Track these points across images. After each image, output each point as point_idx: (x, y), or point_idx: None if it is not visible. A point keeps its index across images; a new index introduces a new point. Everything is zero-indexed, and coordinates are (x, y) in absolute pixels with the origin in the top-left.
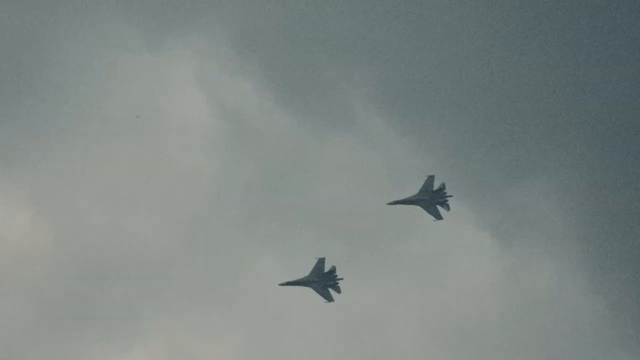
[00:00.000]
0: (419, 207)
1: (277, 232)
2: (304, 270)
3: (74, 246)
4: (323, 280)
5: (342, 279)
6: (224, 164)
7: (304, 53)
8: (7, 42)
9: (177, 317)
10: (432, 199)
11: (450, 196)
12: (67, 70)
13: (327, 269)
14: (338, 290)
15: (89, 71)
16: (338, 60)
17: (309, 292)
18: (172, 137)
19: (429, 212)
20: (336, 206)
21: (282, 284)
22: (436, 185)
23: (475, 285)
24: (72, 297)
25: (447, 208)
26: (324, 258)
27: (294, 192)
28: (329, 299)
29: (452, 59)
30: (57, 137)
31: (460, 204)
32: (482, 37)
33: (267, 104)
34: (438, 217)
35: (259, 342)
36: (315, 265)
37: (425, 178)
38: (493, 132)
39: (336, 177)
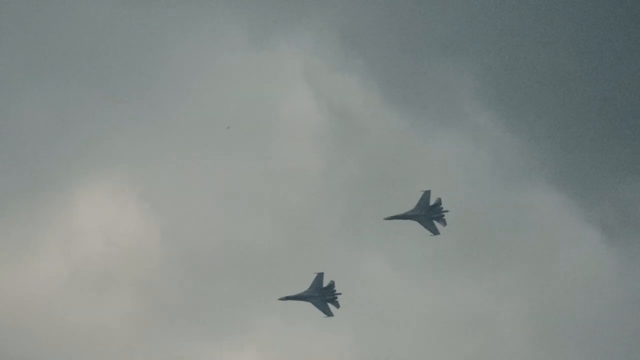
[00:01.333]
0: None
1: (382, 230)
2: (410, 268)
3: (183, 243)
4: (322, 295)
5: (340, 293)
6: (330, 160)
7: (411, 49)
8: (120, 46)
9: (285, 316)
10: (428, 214)
11: (447, 211)
12: (178, 71)
13: (325, 283)
14: (337, 305)
15: (199, 71)
16: (445, 56)
17: (418, 289)
18: (279, 134)
19: (426, 227)
20: (442, 203)
21: (281, 299)
22: (432, 201)
23: (583, 281)
24: (180, 294)
25: (444, 223)
26: (323, 273)
27: (399, 189)
28: (329, 313)
29: (561, 54)
30: (170, 136)
31: (569, 199)
32: (593, 33)
33: (373, 100)
34: (435, 232)
35: (367, 339)
36: (314, 280)
37: (422, 193)
38: (603, 128)
39: (442, 173)
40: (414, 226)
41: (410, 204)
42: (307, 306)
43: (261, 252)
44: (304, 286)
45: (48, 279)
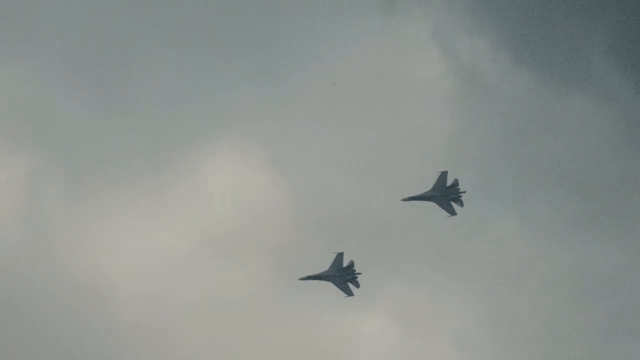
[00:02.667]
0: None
1: (512, 194)
2: (542, 233)
3: (312, 208)
4: (342, 275)
5: (360, 273)
6: (460, 123)
7: (540, 9)
8: (253, 14)
9: (412, 283)
10: (445, 195)
11: (464, 192)
12: (307, 38)
13: (345, 263)
14: (357, 285)
15: (329, 37)
16: (575, 15)
17: (548, 254)
18: (409, 98)
19: (443, 207)
20: (573, 166)
21: (302, 279)
22: (449, 182)
23: None
24: (309, 260)
25: (461, 204)
26: (342, 253)
27: (529, 152)
28: (349, 293)
29: None
30: (300, 102)
31: None
32: None
33: (503, 61)
34: (452, 212)
35: (497, 307)
36: (334, 259)
37: (439, 174)
38: None
39: (573, 136)
40: (545, 189)
41: (537, 166)
42: (437, 268)
43: (391, 217)
44: (431, 252)
45: (176, 245)
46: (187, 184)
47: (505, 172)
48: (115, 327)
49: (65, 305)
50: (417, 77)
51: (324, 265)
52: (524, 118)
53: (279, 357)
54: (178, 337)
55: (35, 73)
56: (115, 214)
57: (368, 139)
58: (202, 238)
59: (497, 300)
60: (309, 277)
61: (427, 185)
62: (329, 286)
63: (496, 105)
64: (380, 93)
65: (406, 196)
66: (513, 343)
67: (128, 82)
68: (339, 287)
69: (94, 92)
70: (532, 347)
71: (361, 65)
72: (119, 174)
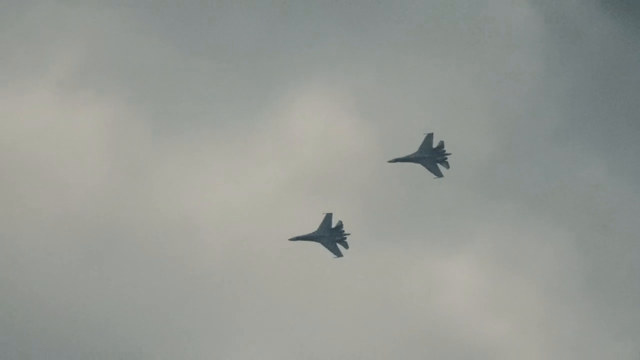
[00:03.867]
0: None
1: (600, 140)
2: (632, 177)
3: (398, 151)
4: (331, 236)
5: (349, 234)
6: (546, 68)
7: None
8: None
9: (501, 226)
10: (431, 156)
11: (449, 154)
12: None
13: (334, 224)
14: (346, 246)
15: None
16: None
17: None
18: (494, 42)
19: (430, 170)
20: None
21: (291, 239)
22: (435, 144)
23: None
24: (395, 201)
25: (447, 166)
26: (331, 213)
27: (618, 97)
28: (338, 254)
29: None
30: (386, 45)
31: None
32: None
33: (590, 4)
34: (439, 174)
35: (587, 251)
36: (323, 220)
37: (424, 136)
38: None
39: None
40: (635, 132)
41: (631, 112)
42: (527, 212)
43: (476, 158)
44: (520, 195)
45: (265, 187)
46: (276, 126)
47: (594, 115)
48: (205, 268)
49: (155, 247)
50: (502, 20)
51: (409, 206)
52: (612, 61)
53: (366, 301)
54: (266, 278)
55: (123, 17)
56: (204, 156)
57: (456, 84)
58: (290, 180)
59: (588, 244)
60: (298, 238)
61: (512, 130)
62: (419, 230)
63: (584, 49)
64: (466, 38)
65: (393, 158)
66: (604, 287)
67: (217, 25)
68: (327, 248)
69: (182, 34)
70: (623, 291)
71: (448, 10)
72: (209, 116)
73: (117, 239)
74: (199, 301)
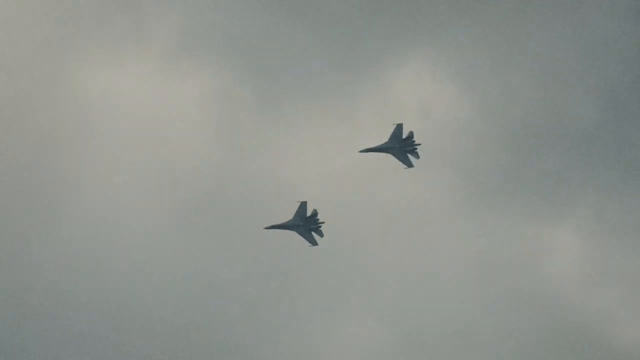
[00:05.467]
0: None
1: None
2: None
3: (499, 121)
4: (306, 224)
5: (323, 222)
6: None
7: None
8: None
9: (608, 190)
10: (401, 146)
11: (419, 144)
12: None
13: (309, 212)
14: (320, 234)
15: None
16: None
17: None
18: (595, 7)
19: (400, 160)
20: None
21: (266, 228)
22: (405, 134)
23: None
24: (496, 171)
25: (417, 156)
26: (306, 202)
27: None
28: (313, 242)
29: None
30: (480, 15)
31: None
32: None
33: None
34: (409, 164)
35: None
36: (298, 208)
37: (394, 127)
38: None
39: None
40: None
41: None
42: (633, 177)
43: (580, 126)
44: (627, 160)
45: (369, 155)
46: (378, 95)
47: None
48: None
49: (258, 217)
50: None
51: (511, 176)
52: None
53: (469, 268)
54: (370, 246)
55: None
56: (307, 125)
57: (558, 52)
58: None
59: None
60: (273, 227)
61: (617, 97)
62: (523, 198)
63: None
64: (568, 4)
65: (365, 147)
66: None
67: None
68: (303, 237)
69: (284, 4)
70: None
71: None
72: (311, 86)
73: (221, 207)
74: (303, 268)
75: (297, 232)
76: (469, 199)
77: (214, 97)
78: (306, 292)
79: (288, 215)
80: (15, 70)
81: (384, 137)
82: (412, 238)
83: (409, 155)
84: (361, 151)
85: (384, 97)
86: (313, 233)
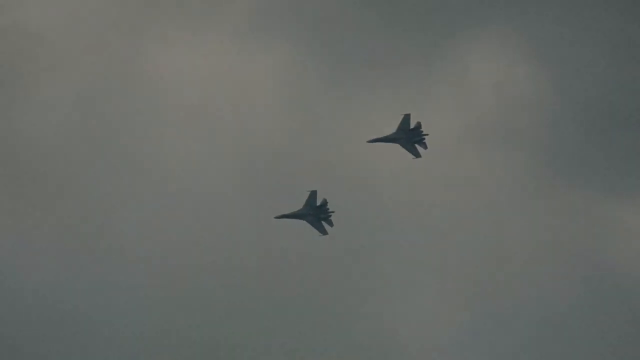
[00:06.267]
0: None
1: None
2: None
3: (576, 98)
4: (316, 214)
5: (333, 212)
6: None
7: None
8: None
9: None
10: (409, 137)
11: (427, 134)
12: None
13: (319, 201)
14: (330, 224)
15: None
16: None
17: None
18: None
19: (408, 150)
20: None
21: (277, 217)
22: (412, 124)
23: None
24: (573, 149)
25: (425, 146)
26: (316, 191)
27: None
28: (323, 232)
29: None
30: None
31: None
32: None
33: None
34: (417, 155)
35: None
36: (308, 198)
37: (402, 117)
38: None
39: None
40: None
41: None
42: None
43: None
44: None
45: (441, 132)
46: (450, 72)
47: None
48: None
49: (331, 191)
50: None
51: (588, 154)
52: None
53: (543, 248)
54: (444, 224)
55: None
56: (380, 101)
57: (632, 26)
58: (466, 127)
59: None
60: (283, 216)
61: None
62: (596, 175)
63: None
64: None
65: (373, 137)
66: None
67: None
68: (313, 226)
69: None
70: None
71: None
72: (383, 62)
73: (288, 184)
74: (373, 236)
75: (307, 221)
76: (543, 178)
77: (287, 72)
78: (386, 270)
79: (362, 191)
80: (91, 49)
81: (456, 114)
82: (487, 217)
83: (417, 145)
84: (369, 141)
85: (457, 74)
86: (323, 222)
